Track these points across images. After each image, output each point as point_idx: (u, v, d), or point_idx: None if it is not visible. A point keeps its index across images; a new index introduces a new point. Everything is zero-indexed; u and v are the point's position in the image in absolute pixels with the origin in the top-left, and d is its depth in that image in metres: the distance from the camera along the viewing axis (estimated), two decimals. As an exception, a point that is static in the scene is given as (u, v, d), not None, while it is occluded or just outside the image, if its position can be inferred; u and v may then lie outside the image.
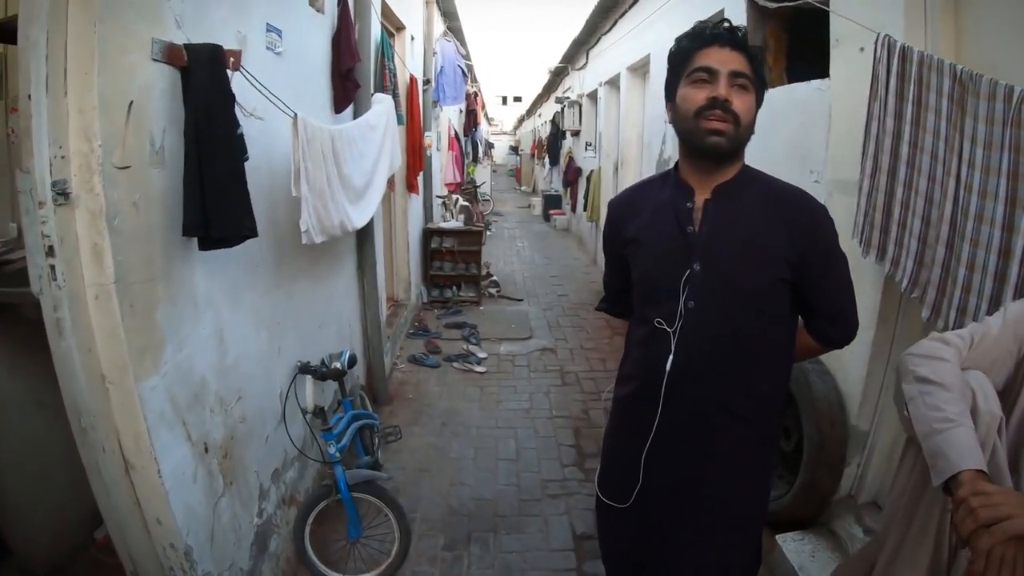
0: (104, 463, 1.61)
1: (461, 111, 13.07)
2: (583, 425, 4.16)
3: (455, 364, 5.15)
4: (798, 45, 3.76)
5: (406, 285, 6.18)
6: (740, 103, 1.37)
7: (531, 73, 23.85)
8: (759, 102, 1.45)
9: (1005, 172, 1.67)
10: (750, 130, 1.43)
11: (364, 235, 3.82)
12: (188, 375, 1.83)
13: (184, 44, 1.75)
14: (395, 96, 4.54)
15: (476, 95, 14.73)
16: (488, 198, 16.11)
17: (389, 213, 5.79)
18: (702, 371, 1.44)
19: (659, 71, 5.76)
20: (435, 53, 7.48)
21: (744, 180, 1.48)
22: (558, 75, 13.39)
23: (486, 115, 31.11)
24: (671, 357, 1.43)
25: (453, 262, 6.98)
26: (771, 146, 3.54)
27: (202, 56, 1.78)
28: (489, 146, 34.44)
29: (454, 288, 7.03)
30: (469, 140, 15.10)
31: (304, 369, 2.67)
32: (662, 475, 1.52)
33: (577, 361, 5.34)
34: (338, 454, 2.52)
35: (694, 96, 1.39)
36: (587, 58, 9.76)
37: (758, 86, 1.43)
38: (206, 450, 1.89)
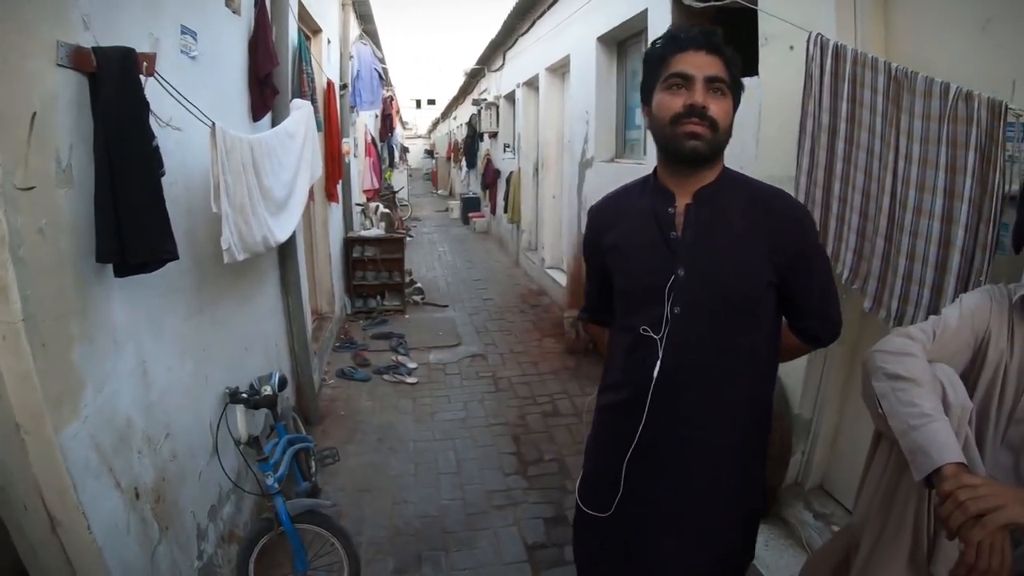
0: (27, 522, 1.43)
1: (377, 116, 12.81)
2: (521, 432, 4.12)
3: (385, 376, 5.00)
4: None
5: (329, 297, 5.96)
6: (717, 108, 1.36)
7: (445, 75, 23.72)
8: (736, 105, 1.43)
9: (943, 166, 1.74)
10: (728, 134, 1.42)
11: (286, 249, 3.63)
12: (112, 417, 1.66)
13: (92, 47, 1.58)
14: (313, 102, 4.36)
15: (391, 99, 14.48)
16: (407, 203, 15.88)
17: (309, 224, 5.56)
18: (689, 378, 1.42)
19: (580, 71, 5.80)
20: (351, 57, 7.28)
21: (725, 183, 1.47)
22: (474, 77, 13.33)
23: (401, 119, 30.77)
24: (658, 364, 1.40)
25: (376, 271, 6.80)
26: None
27: (113, 61, 1.62)
28: (404, 150, 34.10)
29: (378, 298, 6.85)
30: (385, 145, 14.83)
31: (234, 396, 2.49)
32: (645, 483, 1.49)
33: (509, 366, 5.30)
34: (277, 484, 2.36)
35: (670, 103, 1.37)
36: (504, 60, 9.75)
37: (735, 89, 1.42)
38: (137, 496, 1.71)
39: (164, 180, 1.80)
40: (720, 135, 1.38)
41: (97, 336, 1.62)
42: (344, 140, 6.73)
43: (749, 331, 1.45)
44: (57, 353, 1.45)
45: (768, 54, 2.74)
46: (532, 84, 8.39)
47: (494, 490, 3.45)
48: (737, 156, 3.11)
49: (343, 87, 6.74)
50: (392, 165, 16.74)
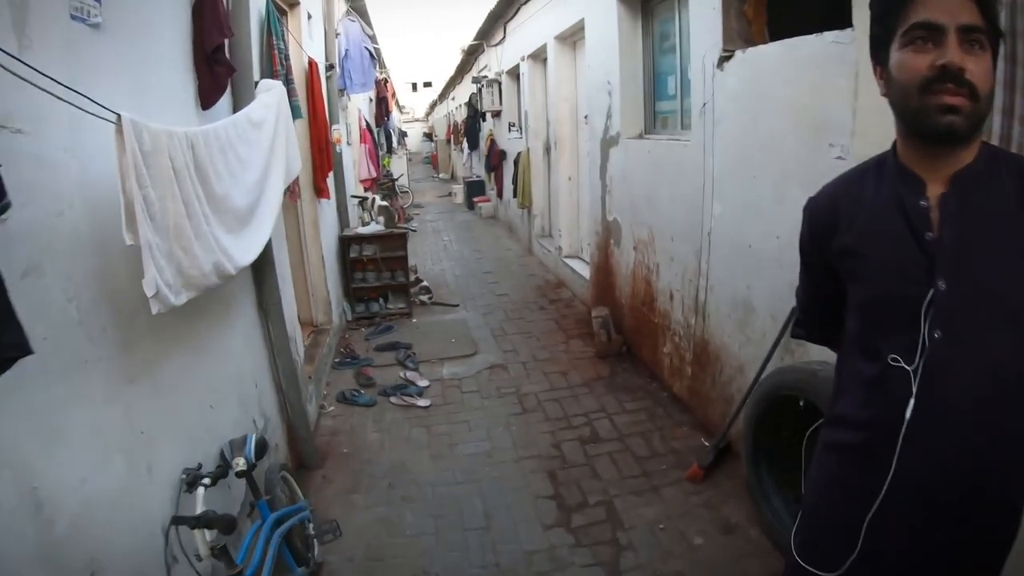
0: None
1: (371, 100, 12.05)
2: (558, 466, 3.47)
3: (393, 399, 4.35)
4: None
5: (325, 306, 5.30)
6: (977, 68, 1.05)
7: (440, 56, 22.55)
8: (995, 60, 1.10)
9: None
10: (991, 101, 1.11)
11: (262, 266, 2.96)
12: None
13: None
14: (288, 83, 3.66)
15: (386, 81, 13.70)
16: (407, 190, 15.17)
17: (297, 226, 4.89)
18: (954, 423, 1.12)
19: (598, 37, 5.08)
20: (338, 34, 6.55)
21: (988, 162, 1.14)
22: (472, 54, 12.52)
23: (397, 102, 29.92)
24: (911, 403, 1.13)
25: (377, 271, 6.12)
26: (763, 116, 2.92)
27: None
28: (403, 135, 33.31)
29: (381, 301, 6.18)
30: (382, 130, 14.08)
31: (193, 482, 1.85)
32: (891, 545, 1.22)
33: (533, 378, 4.64)
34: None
35: (914, 64, 1.08)
36: (505, 33, 8.97)
37: (995, 39, 1.08)
38: None
39: (47, 211, 1.15)
40: (982, 104, 1.07)
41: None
42: (334, 127, 6.05)
43: None
44: None
45: None
46: (539, 56, 7.63)
47: (533, 550, 2.81)
48: (819, 130, 2.49)
49: (330, 68, 6.02)
50: (390, 151, 16.01)
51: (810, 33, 2.56)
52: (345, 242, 5.99)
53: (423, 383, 4.58)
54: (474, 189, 13.40)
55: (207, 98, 2.48)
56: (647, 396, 4.27)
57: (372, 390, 4.53)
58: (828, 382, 1.88)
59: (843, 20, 2.32)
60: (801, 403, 2.49)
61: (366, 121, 9.33)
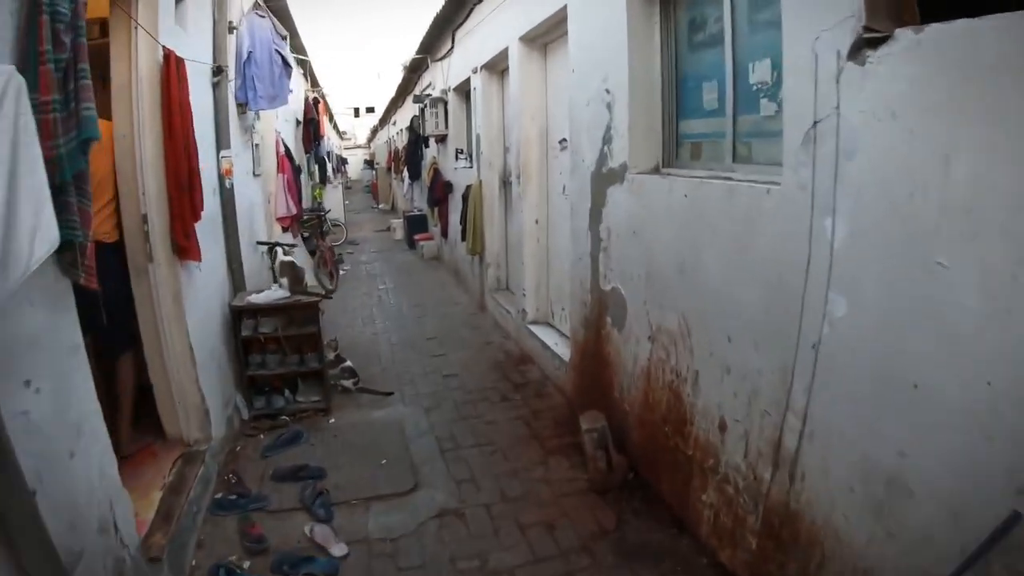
0: None
1: (298, 122, 10.34)
2: None
3: (285, 589, 2.69)
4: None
5: (200, 415, 3.61)
6: None
7: (384, 81, 20.87)
8: None
9: None
10: None
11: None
12: None
13: None
14: (79, 76, 2.02)
15: (318, 101, 12.01)
16: (340, 224, 13.44)
17: (152, 307, 3.27)
18: None
19: (591, 29, 3.63)
20: (234, 29, 4.94)
21: None
22: (415, 70, 11.01)
23: (335, 127, 28.05)
24: None
25: (280, 353, 4.44)
26: (965, 150, 1.46)
27: None
28: (342, 162, 31.43)
29: (287, 392, 4.49)
30: (312, 157, 12.35)
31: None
32: None
33: (505, 537, 3.04)
34: None
35: None
36: (453, 42, 7.48)
37: None
38: None
39: None
40: None
41: None
42: (222, 154, 4.41)
43: None
44: None
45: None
46: (496, 67, 6.16)
47: None
48: None
49: (217, 71, 4.39)
50: (324, 181, 14.25)
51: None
52: (236, 314, 4.29)
53: (338, 550, 2.93)
54: (415, 225, 11.78)
55: None
56: (681, 569, 2.75)
57: (261, 562, 2.86)
58: None
59: None
60: None
61: (285, 146, 7.66)
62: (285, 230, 7.68)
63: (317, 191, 12.69)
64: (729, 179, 2.60)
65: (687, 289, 2.84)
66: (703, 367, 2.77)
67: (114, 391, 3.45)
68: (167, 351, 3.47)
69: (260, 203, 6.12)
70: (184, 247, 3.38)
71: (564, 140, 4.62)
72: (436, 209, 9.75)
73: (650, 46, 3.21)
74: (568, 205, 4.32)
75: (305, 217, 8.82)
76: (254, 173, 5.78)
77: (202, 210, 3.47)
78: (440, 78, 8.63)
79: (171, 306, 3.43)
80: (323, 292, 4.40)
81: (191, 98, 3.48)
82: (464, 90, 7.89)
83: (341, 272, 9.65)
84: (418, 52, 9.32)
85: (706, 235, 2.66)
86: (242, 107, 5.12)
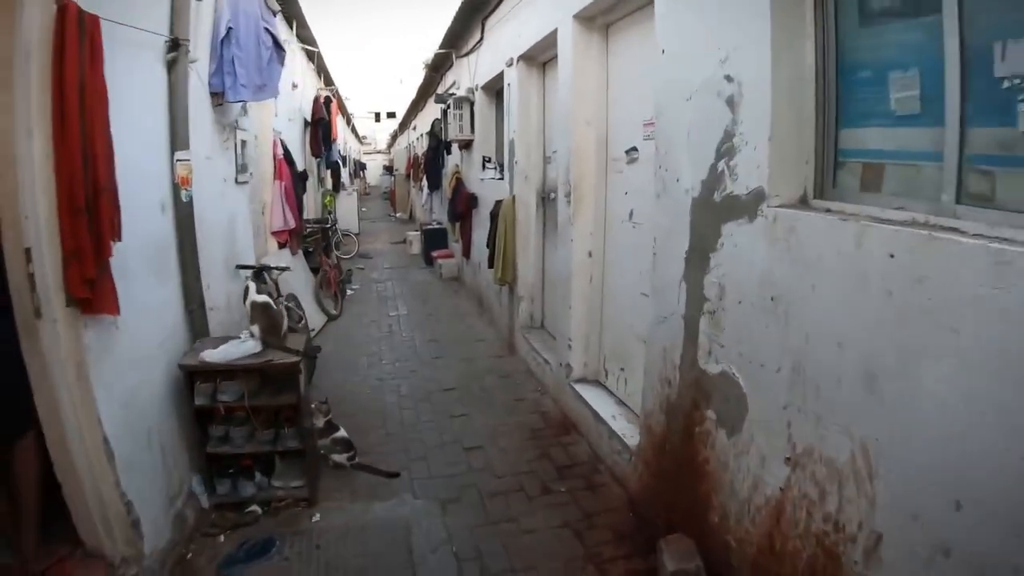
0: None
1: (307, 122, 9.29)
2: None
3: None
4: None
5: (125, 526, 2.54)
6: None
7: (407, 87, 19.73)
8: None
9: None
10: None
11: None
12: None
13: None
14: None
15: (330, 100, 10.95)
16: (351, 234, 12.40)
17: (48, 382, 2.20)
18: None
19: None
20: (208, -1, 3.89)
21: None
22: (438, 69, 9.93)
23: (353, 130, 27.11)
24: None
25: (248, 426, 3.31)
26: None
27: None
28: (361, 167, 30.51)
29: (259, 475, 3.36)
30: (323, 161, 11.30)
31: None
32: None
33: None
34: None
35: None
36: (483, 32, 6.37)
37: None
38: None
39: None
40: None
41: None
42: (177, 156, 3.34)
43: None
44: None
45: None
46: (536, 57, 5.03)
47: None
48: None
49: (173, 46, 3.31)
50: (337, 188, 13.20)
51: None
52: (189, 377, 3.17)
53: None
54: (434, 240, 10.66)
55: None
56: None
57: None
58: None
59: None
60: None
61: (285, 149, 6.58)
62: (282, 246, 6.59)
63: (328, 199, 11.64)
64: (982, 238, 1.43)
65: (879, 409, 1.67)
66: (895, 533, 1.61)
67: (12, 487, 2.43)
68: (72, 444, 2.37)
69: (245, 216, 5.02)
70: (87, 298, 2.26)
71: (634, 150, 3.47)
72: (458, 224, 8.63)
73: (797, 13, 2.05)
74: (639, 237, 3.18)
75: (308, 230, 7.75)
76: (236, 180, 4.68)
77: (115, 240, 2.34)
78: (466, 75, 7.52)
79: (73, 382, 2.33)
80: (295, 354, 3.25)
81: (120, 80, 2.40)
82: (494, 88, 6.76)
83: (349, 292, 8.54)
84: (442, 46, 8.22)
85: (934, 333, 1.49)
86: (218, 97, 4.03)
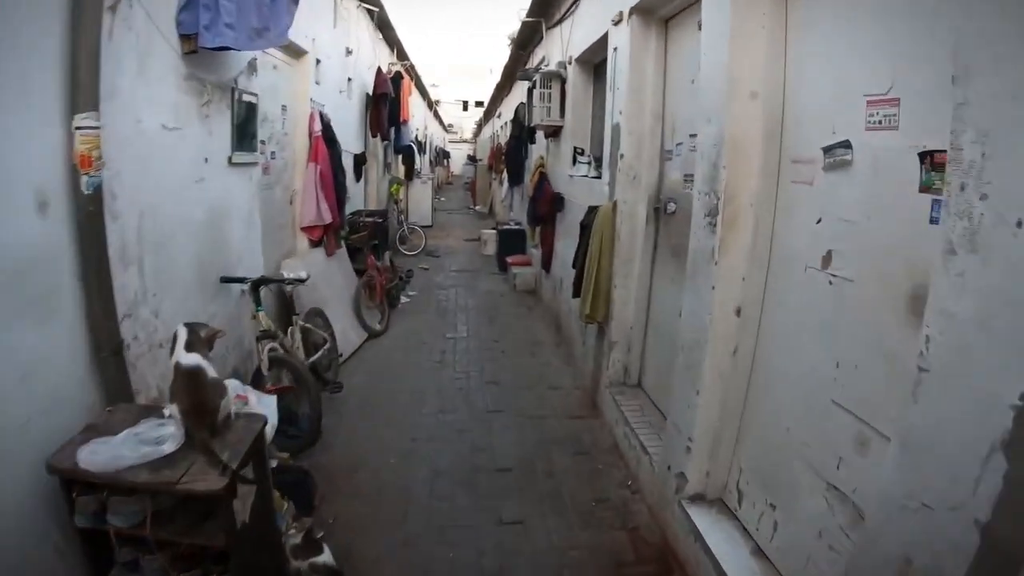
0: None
1: (368, 95, 8.07)
2: None
3: None
4: None
5: None
6: None
7: (496, 76, 18.24)
8: None
9: None
10: None
11: None
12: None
13: None
14: None
15: (400, 76, 9.73)
16: (417, 228, 11.20)
17: None
18: None
19: None
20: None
21: None
22: (524, 47, 8.52)
23: (437, 116, 26.02)
24: None
25: (168, 558, 2.00)
26: None
27: None
28: (444, 155, 29.50)
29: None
30: (390, 145, 10.09)
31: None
32: None
33: None
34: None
35: None
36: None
37: None
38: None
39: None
40: None
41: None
42: (79, 123, 2.04)
43: None
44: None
45: None
46: (655, 9, 3.53)
47: None
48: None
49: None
50: (410, 176, 12.03)
51: None
52: (64, 483, 1.90)
53: None
54: (510, 243, 9.25)
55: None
56: None
57: None
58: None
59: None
60: None
61: (325, 123, 5.31)
62: (315, 244, 5.36)
63: (394, 187, 10.45)
64: None
65: None
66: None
67: None
68: None
69: (248, 209, 3.77)
70: None
71: (842, 147, 1.93)
72: (538, 229, 7.20)
73: None
74: (841, 300, 1.69)
75: (358, 223, 6.52)
76: (231, 160, 3.43)
77: None
78: (557, 48, 6.06)
79: None
80: (223, 471, 1.90)
81: None
82: (592, 61, 5.30)
83: (403, 300, 7.28)
84: (529, 14, 6.79)
85: None
86: (189, 41, 2.75)
